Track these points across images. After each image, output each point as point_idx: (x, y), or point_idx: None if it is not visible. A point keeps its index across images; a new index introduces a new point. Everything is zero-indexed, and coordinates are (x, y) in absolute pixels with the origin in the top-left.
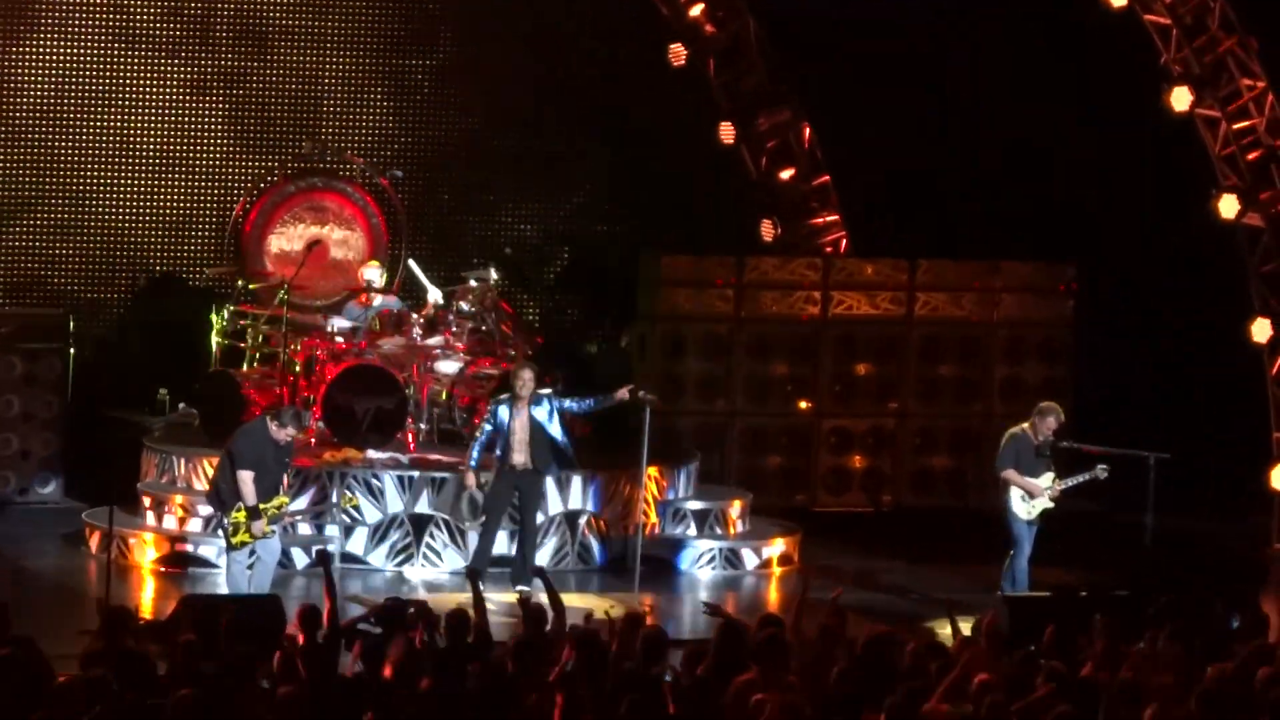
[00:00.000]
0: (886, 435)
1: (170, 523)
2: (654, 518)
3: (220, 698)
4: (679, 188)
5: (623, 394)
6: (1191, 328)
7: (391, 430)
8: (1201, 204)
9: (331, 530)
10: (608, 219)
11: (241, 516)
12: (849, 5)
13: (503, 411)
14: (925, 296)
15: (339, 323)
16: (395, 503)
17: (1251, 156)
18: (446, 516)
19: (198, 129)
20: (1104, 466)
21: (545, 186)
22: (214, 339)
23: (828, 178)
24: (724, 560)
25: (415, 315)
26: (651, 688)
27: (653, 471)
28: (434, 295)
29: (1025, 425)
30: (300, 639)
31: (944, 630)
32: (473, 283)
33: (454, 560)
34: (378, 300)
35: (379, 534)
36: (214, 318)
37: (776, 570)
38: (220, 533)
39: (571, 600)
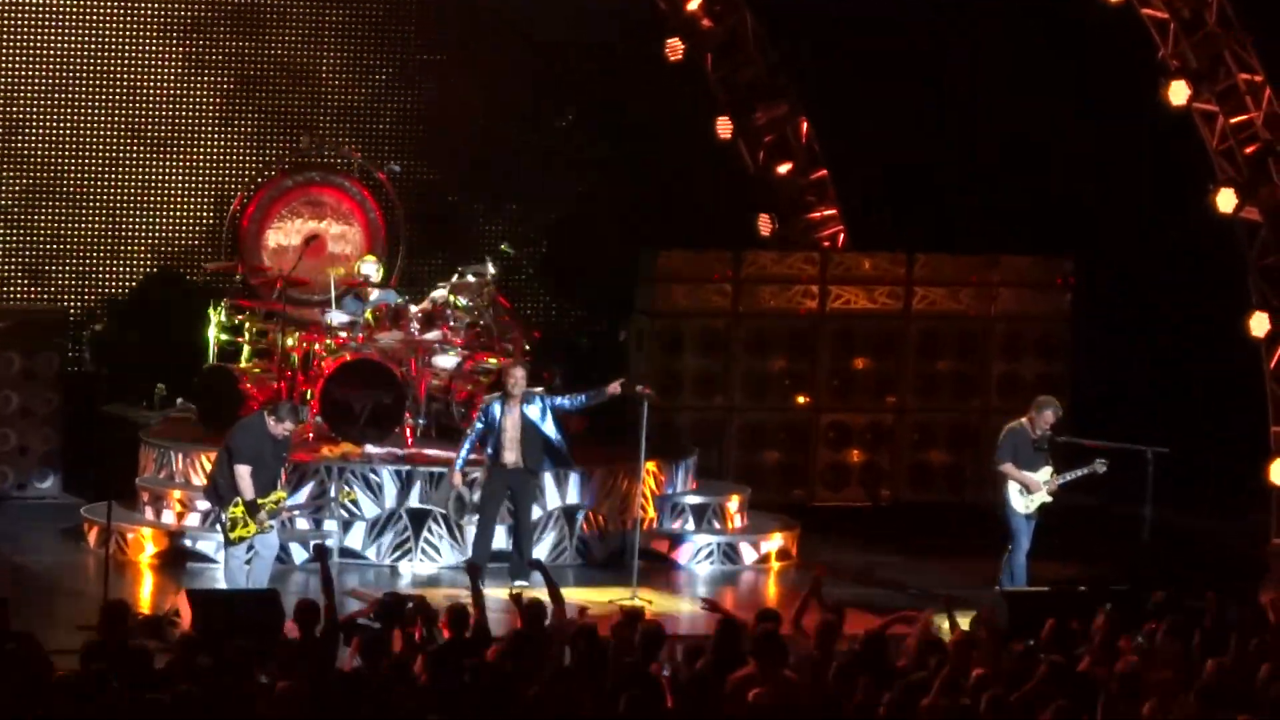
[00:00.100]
0: (884, 430)
1: (168, 518)
2: (652, 513)
3: (219, 693)
4: (676, 182)
5: (614, 388)
6: (1189, 322)
7: (389, 425)
8: (1199, 198)
9: (329, 525)
10: (605, 214)
11: (239, 511)
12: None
13: (495, 409)
14: (923, 291)
15: (337, 317)
16: (393, 498)
17: (1249, 150)
18: (443, 511)
19: (195, 124)
20: (1102, 461)
21: (543, 181)
22: (212, 334)
23: (825, 172)
24: (722, 555)
25: (413, 309)
26: (650, 683)
27: (651, 466)
28: (439, 293)
29: (1023, 420)
30: (298, 634)
31: (943, 625)
32: (470, 277)
33: (451, 555)
34: (375, 294)
35: (377, 529)
36: (212, 313)
37: (774, 565)
38: (218, 528)
39: (570, 595)
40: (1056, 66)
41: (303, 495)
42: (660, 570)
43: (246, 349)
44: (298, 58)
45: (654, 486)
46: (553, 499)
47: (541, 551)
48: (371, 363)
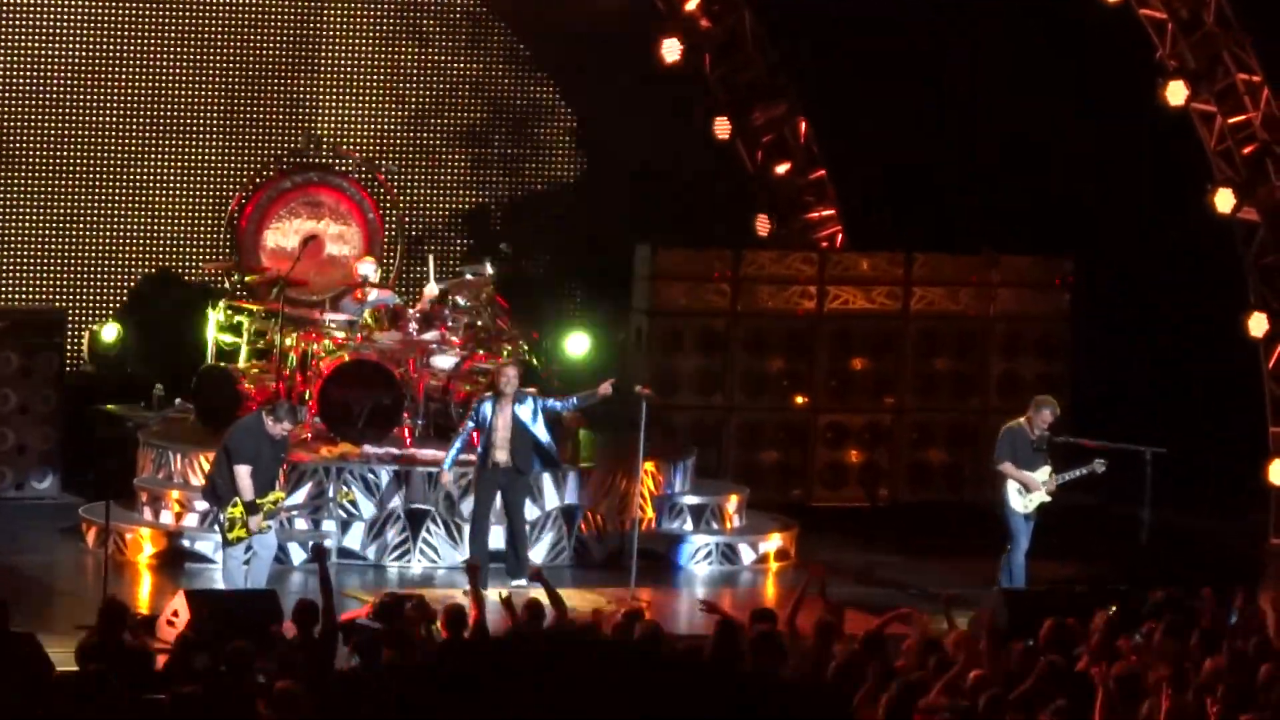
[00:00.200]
0: (883, 430)
1: (167, 518)
2: (650, 513)
3: (218, 693)
4: (675, 182)
5: (605, 389)
6: (1188, 322)
7: (388, 425)
8: (1198, 198)
9: (328, 525)
10: (604, 213)
11: (238, 512)
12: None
13: (486, 408)
14: (921, 291)
15: (335, 317)
16: (391, 498)
17: (1247, 150)
18: (441, 512)
19: (193, 124)
20: (1101, 460)
21: (541, 181)
22: (210, 334)
23: (824, 172)
24: (720, 555)
25: (411, 309)
26: None
27: (649, 466)
28: (430, 289)
29: (1022, 419)
30: (297, 634)
31: (941, 625)
32: (469, 277)
33: (450, 555)
34: (373, 295)
35: (375, 529)
36: (210, 313)
37: (773, 565)
38: (217, 528)
39: (569, 597)
40: (1056, 66)
41: (301, 495)
42: (659, 570)
43: (245, 349)
44: (298, 58)
45: (652, 486)
46: (551, 499)
47: (539, 552)
48: (370, 363)
